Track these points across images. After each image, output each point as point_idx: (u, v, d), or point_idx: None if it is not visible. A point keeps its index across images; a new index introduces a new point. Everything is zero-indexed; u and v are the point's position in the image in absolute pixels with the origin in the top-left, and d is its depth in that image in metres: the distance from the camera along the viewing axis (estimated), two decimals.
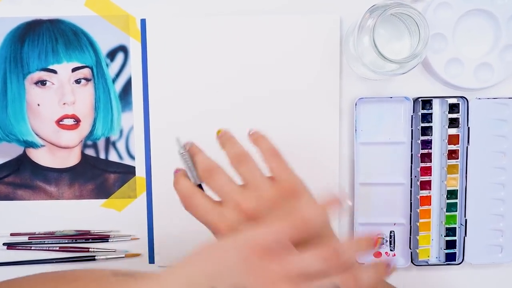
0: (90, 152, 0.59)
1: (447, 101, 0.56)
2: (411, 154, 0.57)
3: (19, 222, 0.59)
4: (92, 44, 0.58)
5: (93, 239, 0.59)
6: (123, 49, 0.58)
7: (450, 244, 0.57)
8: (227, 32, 0.57)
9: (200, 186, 0.42)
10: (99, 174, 0.59)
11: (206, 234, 0.58)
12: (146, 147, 0.58)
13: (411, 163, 0.57)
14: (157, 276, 0.36)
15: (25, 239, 0.59)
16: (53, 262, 0.59)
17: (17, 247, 0.59)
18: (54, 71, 0.58)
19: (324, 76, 0.57)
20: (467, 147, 0.57)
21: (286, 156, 0.56)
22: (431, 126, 0.57)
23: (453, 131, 0.57)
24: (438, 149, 0.58)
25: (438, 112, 0.57)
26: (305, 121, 0.57)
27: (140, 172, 0.59)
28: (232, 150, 0.41)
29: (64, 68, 0.57)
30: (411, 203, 0.57)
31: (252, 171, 0.40)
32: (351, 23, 0.54)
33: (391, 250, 0.58)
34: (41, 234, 0.59)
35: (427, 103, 0.56)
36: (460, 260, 0.58)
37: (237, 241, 0.35)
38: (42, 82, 0.58)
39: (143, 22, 0.57)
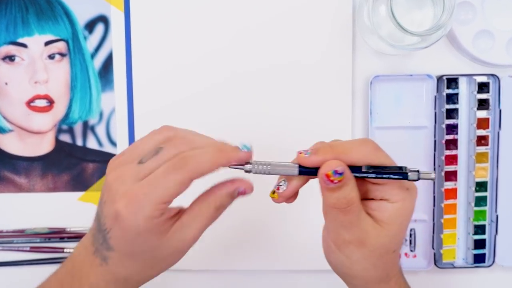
0: (65, 138, 0.58)
1: (475, 79, 0.56)
2: (434, 141, 0.57)
3: None
4: (67, 14, 0.57)
5: (69, 238, 0.59)
6: (103, 19, 0.57)
7: (479, 244, 0.57)
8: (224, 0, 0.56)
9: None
10: (75, 163, 0.58)
11: None
12: (129, 132, 0.58)
13: (434, 150, 0.57)
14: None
15: None
16: (23, 264, 0.59)
17: None
18: (24, 45, 0.57)
19: (335, 51, 0.57)
20: (498, 132, 0.56)
21: (292, 144, 0.56)
22: (457, 108, 0.56)
23: (482, 113, 0.56)
24: (465, 134, 0.57)
25: (465, 92, 0.57)
26: (313, 103, 0.57)
27: None
28: None
29: (35, 42, 0.57)
30: (434, 196, 0.57)
31: None
32: None
33: (411, 250, 0.58)
34: (9, 232, 0.59)
35: (452, 81, 0.56)
36: (490, 262, 0.58)
37: None
38: (11, 58, 0.57)
39: None
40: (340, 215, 0.37)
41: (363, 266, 0.39)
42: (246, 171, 0.37)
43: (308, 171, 0.37)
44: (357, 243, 0.38)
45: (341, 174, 0.35)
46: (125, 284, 0.39)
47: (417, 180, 0.37)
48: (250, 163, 0.37)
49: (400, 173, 0.36)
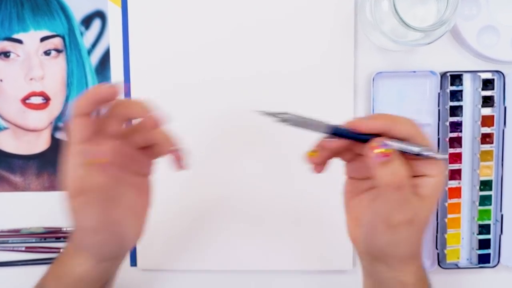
0: (61, 135, 0.58)
1: (480, 76, 0.56)
2: (438, 138, 0.57)
3: None
4: (64, 9, 0.57)
5: (65, 238, 0.58)
6: (100, 15, 0.57)
7: (484, 244, 0.57)
8: None
9: None
10: None
11: (195, 231, 0.58)
12: None
13: (438, 148, 0.56)
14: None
15: None
16: (18, 265, 0.59)
17: None
18: (19, 41, 0.57)
19: (337, 47, 0.56)
20: (503, 129, 0.56)
21: (293, 141, 0.56)
22: (462, 106, 0.56)
23: (487, 111, 0.56)
24: (469, 132, 0.57)
25: (470, 89, 0.57)
26: (315, 99, 0.57)
27: None
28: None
29: (31, 38, 0.57)
30: None
31: None
32: None
33: None
34: (4, 232, 0.59)
35: (456, 78, 0.56)
36: (495, 262, 0.57)
37: None
38: (6, 54, 0.57)
39: None
40: (395, 193, 0.38)
41: (410, 242, 0.41)
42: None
43: (338, 133, 0.40)
44: (408, 221, 0.39)
45: (387, 145, 0.38)
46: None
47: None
48: (286, 113, 0.41)
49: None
